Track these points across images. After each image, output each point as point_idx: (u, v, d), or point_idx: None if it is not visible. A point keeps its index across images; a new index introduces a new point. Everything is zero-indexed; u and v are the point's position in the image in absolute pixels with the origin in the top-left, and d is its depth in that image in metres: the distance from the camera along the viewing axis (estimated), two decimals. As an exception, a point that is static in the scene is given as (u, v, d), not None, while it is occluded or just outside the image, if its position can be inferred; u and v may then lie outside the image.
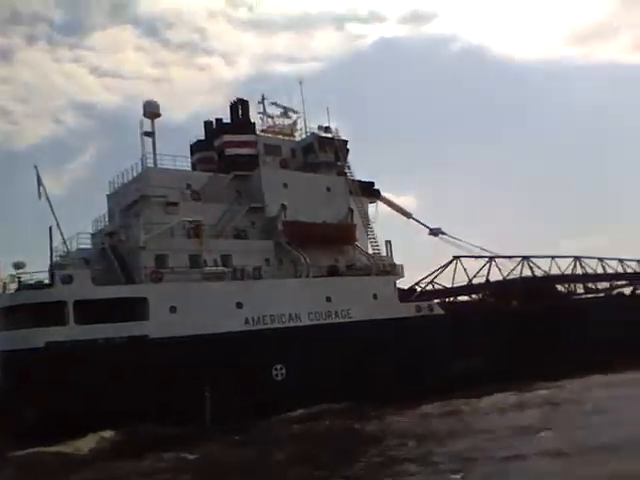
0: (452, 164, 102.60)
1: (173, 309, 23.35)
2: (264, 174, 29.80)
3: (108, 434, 19.97)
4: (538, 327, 32.63)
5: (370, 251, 31.20)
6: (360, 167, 37.61)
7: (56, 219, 26.40)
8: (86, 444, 19.47)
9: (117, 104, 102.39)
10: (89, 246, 28.84)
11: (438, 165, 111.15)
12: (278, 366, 24.92)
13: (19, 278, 23.13)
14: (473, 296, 40.86)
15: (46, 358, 20.92)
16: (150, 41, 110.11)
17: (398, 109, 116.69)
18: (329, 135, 33.17)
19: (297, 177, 30.79)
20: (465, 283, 39.20)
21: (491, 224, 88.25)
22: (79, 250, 27.09)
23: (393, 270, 30.39)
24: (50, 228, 26.59)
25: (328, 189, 31.56)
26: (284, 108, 35.20)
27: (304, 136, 33.86)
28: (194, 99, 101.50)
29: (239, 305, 24.80)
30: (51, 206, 26.49)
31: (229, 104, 33.40)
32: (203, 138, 33.87)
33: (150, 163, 28.73)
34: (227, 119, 33.19)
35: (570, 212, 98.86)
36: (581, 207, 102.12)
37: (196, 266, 25.50)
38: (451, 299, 38.32)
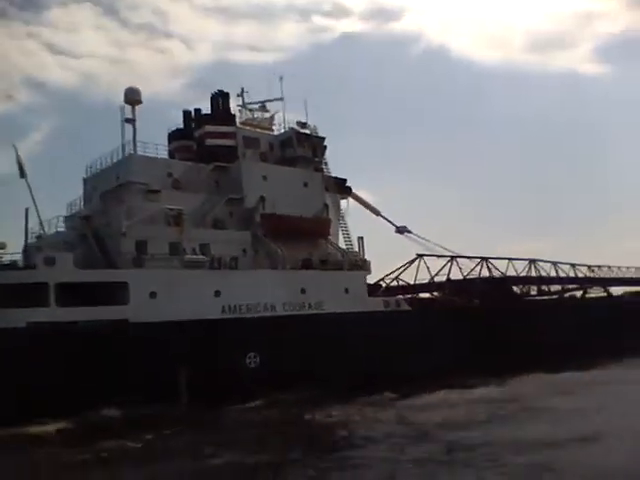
0: (405, 161, 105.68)
1: (153, 294, 23.84)
2: (244, 166, 30.44)
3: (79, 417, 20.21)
4: (496, 325, 34.33)
5: (343, 246, 32.26)
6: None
7: (34, 200, 26.56)
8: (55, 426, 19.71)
9: (73, 83, 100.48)
10: (62, 229, 29.03)
11: (391, 162, 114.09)
12: (252, 354, 25.70)
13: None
14: (435, 293, 42.58)
15: (27, 338, 21.14)
16: (109, 20, 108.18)
17: (357, 105, 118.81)
18: (307, 131, 34.00)
19: (276, 170, 31.52)
20: (427, 281, 40.86)
21: (435, 220, 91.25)
22: (57, 233, 27.22)
23: (364, 266, 31.54)
24: (26, 210, 26.71)
25: (305, 184, 32.40)
26: (262, 102, 35.87)
27: (282, 130, 34.59)
28: (153, 82, 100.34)
29: (217, 293, 25.46)
30: (29, 187, 26.60)
31: (210, 95, 33.84)
32: (181, 127, 34.18)
33: (131, 150, 28.98)
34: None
35: (518, 215, 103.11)
36: (531, 211, 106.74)
37: (176, 254, 25.96)
38: (413, 295, 39.84)
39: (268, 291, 26.92)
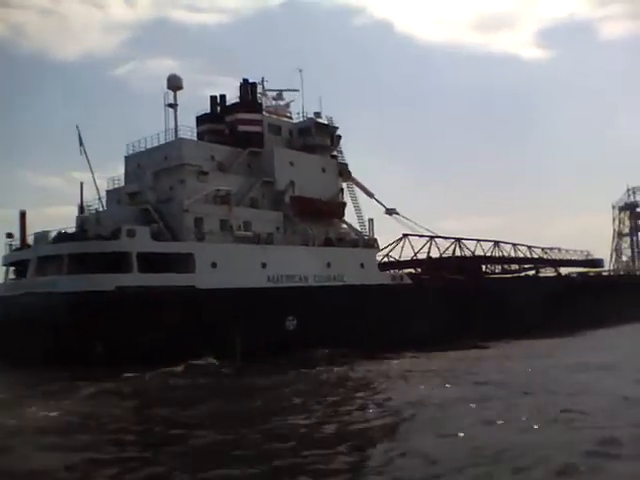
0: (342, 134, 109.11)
1: (214, 265, 27.62)
2: (276, 152, 34.21)
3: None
4: (476, 298, 39.80)
5: (357, 227, 36.78)
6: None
7: (93, 176, 29.70)
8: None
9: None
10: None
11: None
12: (290, 317, 29.96)
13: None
14: (418, 269, 47.87)
15: (116, 300, 24.64)
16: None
17: (298, 74, 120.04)
18: (325, 121, 37.93)
19: (300, 156, 35.43)
20: (409, 258, 46.08)
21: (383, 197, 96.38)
22: (116, 206, 30.37)
23: (374, 244, 36.20)
24: (81, 183, 29.80)
25: (323, 169, 36.52)
26: (279, 91, 39.43)
27: (301, 119, 38.36)
28: (87, 37, 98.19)
29: (263, 265, 29.46)
30: (89, 163, 29.67)
31: (239, 84, 37.03)
32: (208, 111, 37.30)
33: (177, 134, 32.21)
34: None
35: (456, 193, 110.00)
36: (472, 189, 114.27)
37: (224, 229, 29.75)
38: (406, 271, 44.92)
39: (302, 264, 31.11)
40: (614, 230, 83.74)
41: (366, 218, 37.19)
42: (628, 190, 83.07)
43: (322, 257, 32.28)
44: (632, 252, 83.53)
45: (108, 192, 33.63)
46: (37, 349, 23.57)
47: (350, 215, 37.48)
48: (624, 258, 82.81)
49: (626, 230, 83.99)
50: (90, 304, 24.44)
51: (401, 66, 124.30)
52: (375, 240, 36.45)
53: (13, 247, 30.46)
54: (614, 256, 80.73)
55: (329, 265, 32.41)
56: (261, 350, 26.25)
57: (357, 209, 37.45)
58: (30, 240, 29.90)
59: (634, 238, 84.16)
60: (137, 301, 24.82)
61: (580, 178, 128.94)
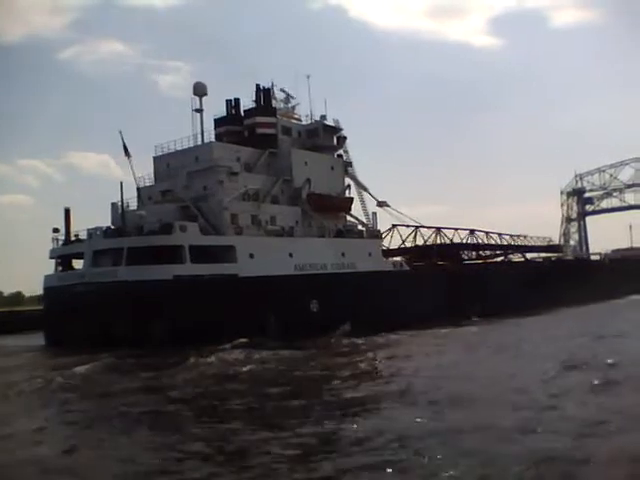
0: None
1: (252, 255, 31.39)
2: (294, 153, 38.03)
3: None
4: (462, 283, 44.64)
5: (363, 219, 41.08)
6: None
7: (135, 177, 32.96)
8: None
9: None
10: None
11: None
12: (314, 301, 33.99)
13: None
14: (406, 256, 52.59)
15: (175, 287, 28.20)
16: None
17: (247, 59, 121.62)
18: (332, 124, 41.86)
19: (312, 156, 39.34)
20: (397, 246, 50.83)
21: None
22: (155, 205, 33.68)
23: (378, 235, 40.59)
24: (121, 183, 32.94)
25: (332, 168, 40.58)
26: (287, 94, 43.11)
27: (309, 121, 42.14)
28: (32, 18, 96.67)
29: (290, 255, 33.36)
30: (131, 165, 32.92)
31: (254, 90, 40.48)
32: (225, 114, 40.75)
33: (204, 138, 35.70)
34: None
35: (411, 181, 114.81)
36: (425, 177, 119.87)
37: (255, 224, 33.51)
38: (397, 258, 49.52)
39: (321, 254, 35.15)
40: (562, 215, 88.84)
41: (370, 211, 41.45)
42: (576, 176, 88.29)
43: (337, 247, 36.40)
44: (579, 237, 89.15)
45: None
46: (100, 334, 26.86)
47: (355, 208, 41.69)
48: (572, 242, 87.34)
49: (574, 215, 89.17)
50: (153, 290, 27.90)
51: (356, 52, 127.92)
52: (379, 231, 40.89)
53: (59, 242, 33.38)
54: (562, 241, 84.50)
55: (343, 254, 36.56)
56: (291, 329, 30.19)
57: (362, 203, 41.72)
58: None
59: (581, 223, 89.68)
60: (193, 288, 28.45)
61: (530, 164, 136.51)
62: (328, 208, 38.18)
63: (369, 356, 24.51)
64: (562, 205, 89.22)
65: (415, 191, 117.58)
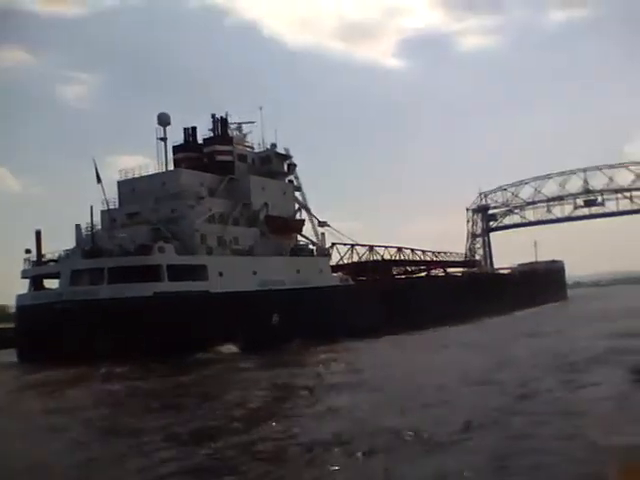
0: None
1: (221, 274, 34.43)
2: (252, 179, 41.44)
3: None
4: (394, 297, 49.33)
5: (313, 238, 44.99)
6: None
7: (107, 203, 35.28)
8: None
9: None
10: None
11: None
12: (275, 314, 37.34)
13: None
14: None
15: (154, 302, 30.76)
16: None
17: (159, 73, 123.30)
18: (283, 152, 45.65)
19: (268, 182, 42.94)
20: (335, 263, 55.23)
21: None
22: (123, 228, 35.95)
23: (327, 253, 44.65)
24: (91, 207, 35.13)
25: (284, 192, 44.31)
26: (239, 124, 46.56)
27: (262, 149, 45.69)
28: None
29: (254, 273, 36.67)
30: (103, 190, 35.25)
31: (212, 119, 43.57)
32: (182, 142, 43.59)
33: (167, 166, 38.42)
34: None
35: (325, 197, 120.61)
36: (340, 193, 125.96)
37: (221, 244, 36.58)
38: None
39: (279, 271, 38.66)
40: (468, 231, 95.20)
41: (319, 232, 45.49)
42: (480, 194, 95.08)
43: (293, 265, 40.07)
44: (484, 252, 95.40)
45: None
46: (81, 349, 28.86)
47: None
48: (477, 257, 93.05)
49: (479, 231, 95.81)
50: (135, 306, 30.28)
51: (270, 69, 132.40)
52: (327, 249, 44.95)
53: (30, 262, 34.87)
54: (468, 255, 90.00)
55: (298, 271, 40.26)
56: (255, 341, 33.46)
57: (312, 224, 45.71)
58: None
59: (485, 238, 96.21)
60: (172, 303, 31.15)
61: (439, 182, 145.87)
62: (283, 229, 41.81)
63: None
64: (468, 221, 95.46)
65: (330, 207, 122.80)
